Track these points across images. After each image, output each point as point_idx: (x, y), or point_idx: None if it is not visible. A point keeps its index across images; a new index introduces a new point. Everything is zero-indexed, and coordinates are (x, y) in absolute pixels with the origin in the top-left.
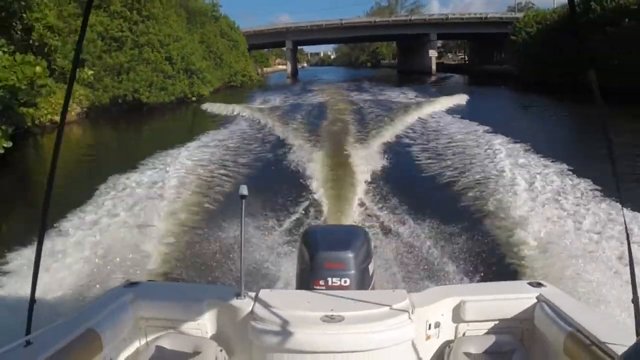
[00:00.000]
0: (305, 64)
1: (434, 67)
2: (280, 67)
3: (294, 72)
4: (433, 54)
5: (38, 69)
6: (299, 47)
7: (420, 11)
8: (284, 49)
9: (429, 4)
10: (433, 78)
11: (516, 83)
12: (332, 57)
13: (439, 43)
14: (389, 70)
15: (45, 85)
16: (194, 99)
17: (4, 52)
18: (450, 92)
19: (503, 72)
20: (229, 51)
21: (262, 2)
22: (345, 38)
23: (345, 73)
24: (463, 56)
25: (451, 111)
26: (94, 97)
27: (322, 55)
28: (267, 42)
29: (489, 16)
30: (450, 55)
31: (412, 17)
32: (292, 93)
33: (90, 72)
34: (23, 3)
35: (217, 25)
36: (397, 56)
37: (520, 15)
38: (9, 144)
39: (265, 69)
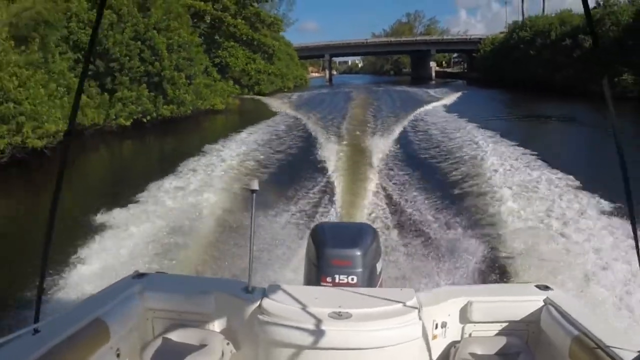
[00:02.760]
0: (335, 72)
1: (433, 74)
2: (314, 74)
3: (330, 78)
4: (433, 65)
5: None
6: (332, 58)
7: (436, 26)
8: (320, 60)
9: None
10: (432, 82)
11: (478, 83)
12: (360, 65)
13: (455, 55)
14: (407, 77)
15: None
16: (285, 90)
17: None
18: (433, 87)
19: (477, 77)
20: (290, 62)
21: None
22: (369, 52)
23: (370, 79)
24: (463, 66)
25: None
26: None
27: (350, 63)
28: (309, 54)
29: (472, 37)
30: (465, 65)
31: (417, 38)
32: (332, 89)
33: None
34: None
35: (279, 44)
36: (411, 66)
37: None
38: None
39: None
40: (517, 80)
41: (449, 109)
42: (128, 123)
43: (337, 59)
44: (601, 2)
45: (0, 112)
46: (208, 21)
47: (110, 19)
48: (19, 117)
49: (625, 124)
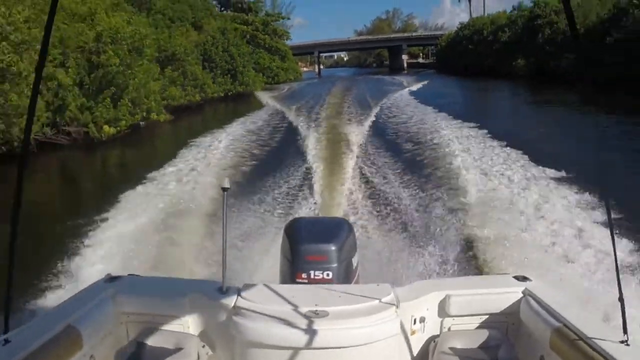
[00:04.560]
0: (322, 66)
1: (405, 65)
2: (304, 68)
3: (319, 71)
4: (405, 57)
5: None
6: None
7: (413, 21)
8: (309, 56)
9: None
10: (404, 72)
11: (440, 71)
12: (345, 59)
13: (432, 47)
14: (386, 68)
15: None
16: (288, 81)
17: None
18: (403, 75)
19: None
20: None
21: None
22: (352, 48)
23: (354, 71)
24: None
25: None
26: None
27: (335, 57)
28: (300, 52)
29: (436, 33)
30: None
31: (391, 36)
32: (322, 80)
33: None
34: None
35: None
36: (389, 59)
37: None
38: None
39: None
40: (462, 68)
41: (412, 92)
42: (222, 95)
43: (323, 54)
44: (516, 7)
45: (198, 84)
46: (247, 37)
47: (211, 41)
48: (203, 85)
49: (521, 92)
